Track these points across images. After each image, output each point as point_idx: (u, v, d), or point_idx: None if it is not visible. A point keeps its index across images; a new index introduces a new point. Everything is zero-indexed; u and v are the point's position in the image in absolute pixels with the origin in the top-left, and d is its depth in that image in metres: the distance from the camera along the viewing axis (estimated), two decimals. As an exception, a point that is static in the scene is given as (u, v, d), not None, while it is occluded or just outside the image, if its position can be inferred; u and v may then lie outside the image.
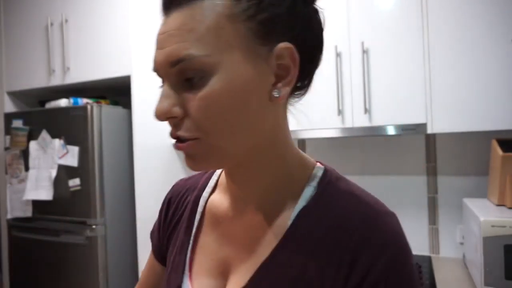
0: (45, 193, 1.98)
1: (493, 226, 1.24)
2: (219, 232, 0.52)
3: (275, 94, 0.43)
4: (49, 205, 1.97)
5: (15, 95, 2.38)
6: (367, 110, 1.59)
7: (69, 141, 1.92)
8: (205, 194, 0.57)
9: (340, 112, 1.63)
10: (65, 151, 1.94)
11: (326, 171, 0.49)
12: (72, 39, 2.11)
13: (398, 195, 1.87)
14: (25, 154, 2.08)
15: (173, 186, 0.64)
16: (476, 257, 1.32)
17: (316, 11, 0.47)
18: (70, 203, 1.90)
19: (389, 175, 1.89)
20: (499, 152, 1.41)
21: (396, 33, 1.54)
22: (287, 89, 0.44)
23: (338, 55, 1.63)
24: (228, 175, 0.51)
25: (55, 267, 1.94)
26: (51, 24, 2.15)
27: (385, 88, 1.56)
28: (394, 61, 1.55)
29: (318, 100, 1.68)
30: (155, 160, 1.95)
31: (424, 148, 1.82)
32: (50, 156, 1.98)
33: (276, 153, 0.48)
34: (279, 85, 0.43)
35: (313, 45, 0.47)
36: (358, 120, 1.61)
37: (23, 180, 2.09)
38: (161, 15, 0.44)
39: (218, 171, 0.58)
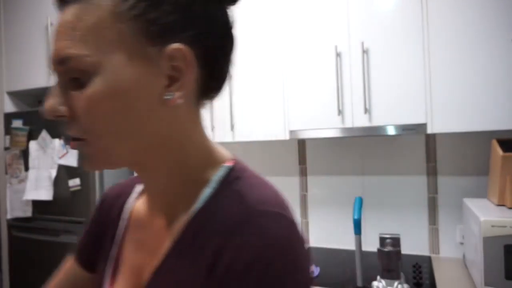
0: (45, 193, 1.98)
1: (493, 226, 1.24)
2: (137, 238, 0.51)
3: (167, 96, 0.41)
4: (49, 205, 1.97)
5: (15, 95, 2.38)
6: (367, 110, 1.59)
7: (69, 141, 1.92)
8: (131, 200, 0.56)
9: (340, 112, 1.63)
10: (65, 151, 1.94)
11: (230, 171, 0.46)
12: (72, 39, 2.11)
13: (398, 195, 1.87)
14: (25, 154, 2.08)
15: (108, 189, 0.63)
16: (476, 257, 1.32)
17: (222, 7, 0.44)
18: (70, 203, 1.90)
19: (389, 175, 1.89)
20: (499, 152, 1.41)
21: (396, 33, 1.54)
22: (182, 92, 0.41)
23: (338, 55, 1.63)
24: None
25: (55, 267, 1.94)
26: (51, 24, 2.15)
27: (385, 88, 1.56)
28: (394, 61, 1.55)
29: (318, 100, 1.68)
30: (155, 160, 1.95)
31: (424, 148, 1.82)
32: (50, 156, 1.98)
33: (175, 155, 0.45)
34: (173, 87, 0.41)
35: (218, 44, 0.44)
36: (358, 120, 1.61)
37: (23, 180, 2.09)
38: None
39: None
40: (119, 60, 0.39)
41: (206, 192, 0.45)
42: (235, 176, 0.46)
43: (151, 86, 0.40)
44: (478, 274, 1.30)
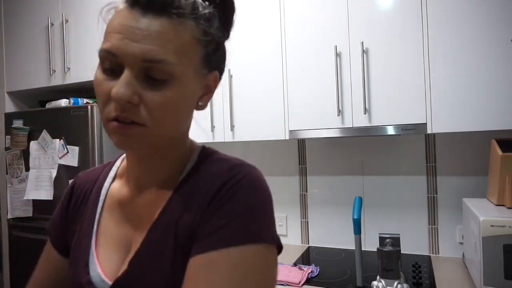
0: (46, 193, 1.98)
1: (492, 226, 1.24)
2: (119, 215, 0.60)
3: (200, 103, 0.57)
4: (49, 205, 1.97)
5: (16, 95, 2.39)
6: (366, 110, 1.59)
7: (69, 141, 1.93)
8: (106, 184, 0.64)
9: (340, 112, 1.63)
10: (65, 151, 1.94)
11: (202, 149, 0.61)
12: (72, 39, 2.12)
13: (398, 195, 1.87)
14: (25, 154, 2.08)
15: (76, 178, 0.71)
16: (476, 257, 1.32)
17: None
18: (70, 203, 1.90)
19: (389, 175, 1.89)
20: (499, 152, 1.41)
21: (396, 33, 1.54)
22: (208, 102, 0.58)
23: (338, 55, 1.64)
24: (136, 162, 0.59)
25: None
26: (51, 24, 2.15)
27: (385, 88, 1.56)
28: (394, 61, 1.55)
29: (318, 100, 1.68)
30: (155, 160, 1.95)
31: (424, 148, 1.82)
32: (50, 156, 1.99)
33: (181, 143, 0.59)
34: (205, 98, 0.57)
35: (223, 71, 0.61)
36: (357, 120, 1.61)
37: (23, 180, 2.09)
38: (129, 8, 0.49)
39: (117, 163, 0.67)
40: (190, 74, 0.51)
41: (189, 164, 0.58)
42: (209, 152, 0.61)
43: (196, 95, 0.55)
44: (477, 274, 1.30)
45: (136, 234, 0.56)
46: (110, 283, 0.54)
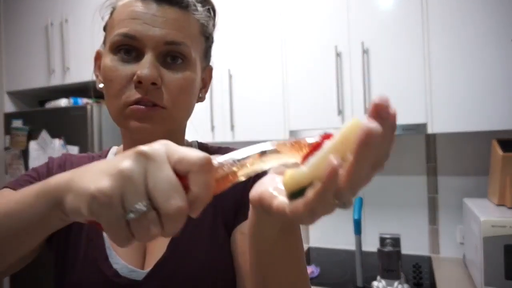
0: (45, 193, 1.97)
1: (493, 226, 1.24)
2: None
3: (200, 95, 0.61)
4: (49, 205, 1.96)
5: (15, 95, 2.38)
6: (367, 110, 1.58)
7: (69, 141, 1.92)
8: None
9: (340, 112, 1.63)
10: (65, 151, 1.94)
11: (199, 143, 0.67)
12: (71, 39, 2.11)
13: (398, 195, 1.86)
14: (25, 154, 2.08)
15: (63, 159, 0.65)
16: (476, 257, 1.32)
17: None
18: (70, 203, 1.90)
19: (389, 175, 1.89)
20: (499, 152, 1.41)
21: (396, 33, 1.54)
22: (205, 95, 0.63)
23: (338, 55, 1.63)
24: None
25: (55, 267, 1.94)
26: (51, 24, 2.15)
27: (385, 88, 1.56)
28: (394, 61, 1.55)
29: (318, 100, 1.68)
30: (155, 160, 1.95)
31: (424, 148, 1.82)
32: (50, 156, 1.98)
33: (182, 136, 0.63)
34: (203, 91, 0.62)
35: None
36: (358, 120, 1.60)
37: (23, 180, 2.09)
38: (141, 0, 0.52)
39: (110, 157, 0.66)
40: (198, 62, 0.56)
41: None
42: (206, 146, 0.67)
43: (199, 85, 0.59)
44: (478, 274, 1.30)
45: None
46: (144, 271, 0.55)
